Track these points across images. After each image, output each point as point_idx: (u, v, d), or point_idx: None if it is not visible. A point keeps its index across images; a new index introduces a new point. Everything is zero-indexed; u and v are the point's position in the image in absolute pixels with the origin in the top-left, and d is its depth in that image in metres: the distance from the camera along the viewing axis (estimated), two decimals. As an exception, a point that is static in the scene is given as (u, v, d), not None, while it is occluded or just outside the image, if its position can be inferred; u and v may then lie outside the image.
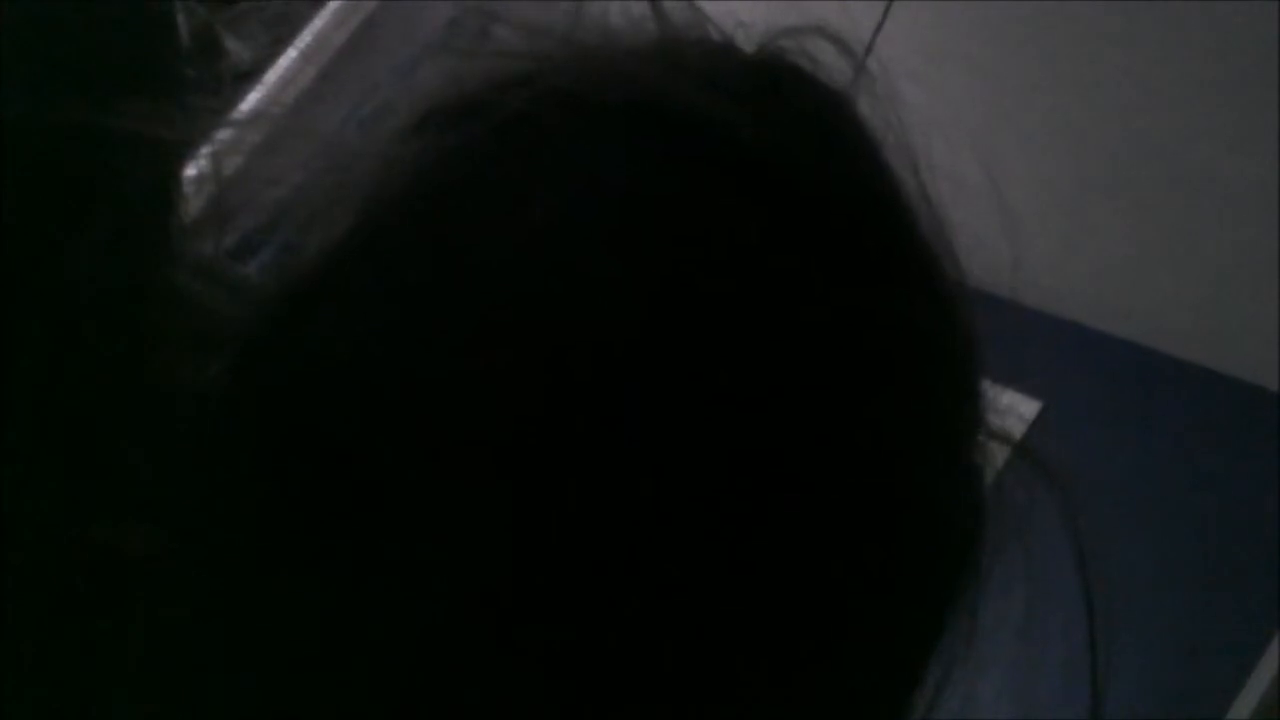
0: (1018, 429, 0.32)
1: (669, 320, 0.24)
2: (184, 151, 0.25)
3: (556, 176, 0.25)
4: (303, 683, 0.24)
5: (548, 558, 0.24)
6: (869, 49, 0.31)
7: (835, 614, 0.26)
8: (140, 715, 0.23)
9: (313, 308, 0.24)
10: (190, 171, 0.25)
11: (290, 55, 1.72)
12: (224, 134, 0.26)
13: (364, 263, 0.24)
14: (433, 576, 0.23)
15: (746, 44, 0.29)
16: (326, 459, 0.23)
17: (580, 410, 0.24)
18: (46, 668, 0.23)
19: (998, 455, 0.30)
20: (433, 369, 0.24)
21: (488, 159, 0.25)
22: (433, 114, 0.26)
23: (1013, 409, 0.31)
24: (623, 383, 0.24)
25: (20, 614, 0.23)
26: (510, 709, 0.24)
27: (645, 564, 0.24)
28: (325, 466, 0.23)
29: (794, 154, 0.27)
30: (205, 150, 0.26)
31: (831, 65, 0.29)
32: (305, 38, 1.76)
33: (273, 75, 1.70)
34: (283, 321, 0.24)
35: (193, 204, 0.25)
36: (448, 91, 0.26)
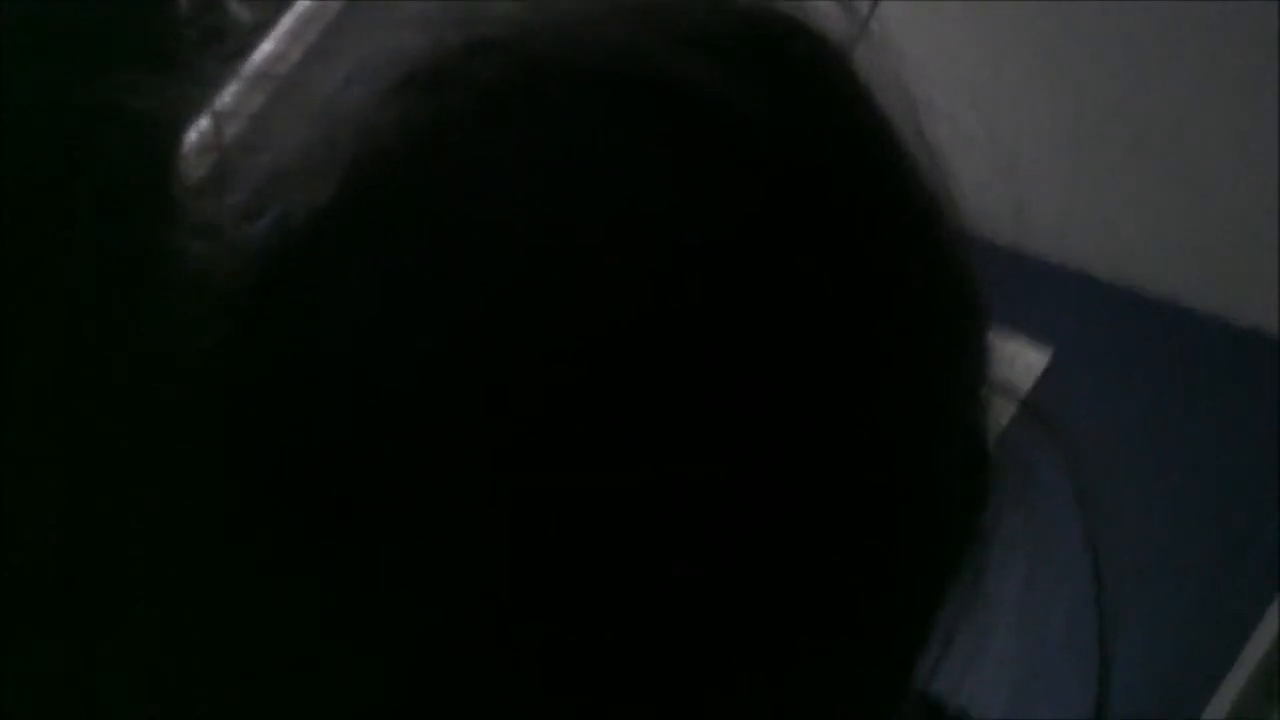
0: (1026, 380, 0.32)
1: (663, 297, 0.24)
2: (184, 115, 0.25)
3: (537, 150, 0.24)
4: (302, 677, 0.23)
5: (547, 551, 0.24)
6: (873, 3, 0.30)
7: (837, 587, 0.26)
8: (140, 702, 0.23)
9: (293, 286, 0.23)
10: (193, 133, 0.25)
11: (290, 18, 1.71)
12: (226, 96, 0.26)
13: (343, 241, 0.23)
14: (429, 573, 0.23)
15: None
16: (319, 447, 0.23)
17: (578, 394, 0.24)
18: (46, 649, 0.23)
19: (1003, 410, 0.30)
20: (417, 356, 0.23)
21: (465, 130, 0.24)
22: (411, 79, 0.25)
23: (1021, 359, 0.31)
24: (618, 362, 0.24)
25: (20, 595, 0.23)
26: (509, 708, 0.24)
27: (646, 554, 0.24)
28: (317, 454, 0.23)
29: (788, 112, 0.26)
30: (207, 112, 0.25)
31: (825, 12, 0.28)
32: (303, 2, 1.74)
33: (272, 38, 1.69)
34: (268, 296, 0.23)
35: (196, 166, 0.25)
36: (425, 56, 0.25)
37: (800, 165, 0.26)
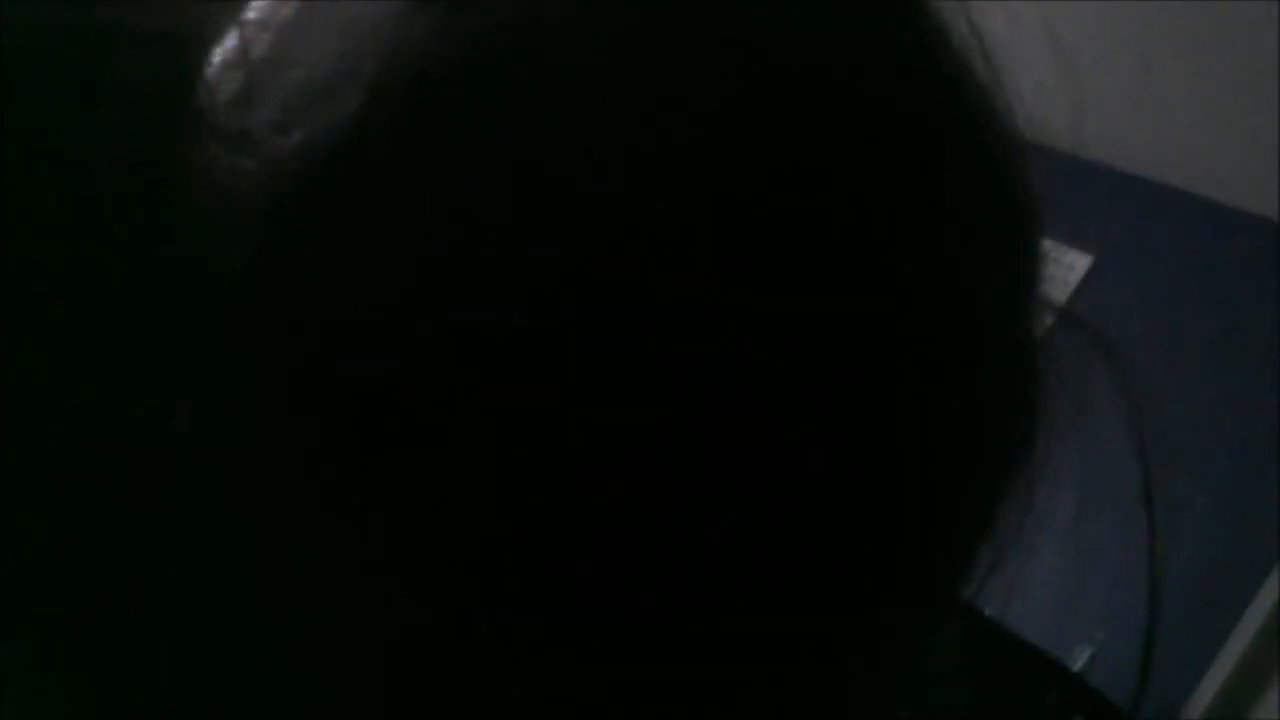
0: (1069, 282, 0.31)
1: (709, 215, 0.23)
2: (210, 28, 0.24)
3: (555, 80, 0.23)
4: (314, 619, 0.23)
5: (608, 478, 0.23)
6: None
7: (888, 503, 0.25)
8: (185, 590, 0.23)
9: (317, 202, 0.23)
10: (221, 47, 0.25)
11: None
12: (253, 9, 0.25)
13: (367, 158, 0.23)
14: (456, 497, 0.22)
15: None
16: (346, 360, 0.22)
17: (622, 315, 0.23)
18: (87, 569, 0.23)
19: (1048, 320, 0.30)
20: (444, 271, 0.22)
21: (488, 47, 0.23)
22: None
23: (1064, 262, 0.31)
24: (668, 286, 0.23)
25: (63, 506, 0.23)
26: (511, 697, 0.23)
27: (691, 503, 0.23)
28: (345, 368, 0.22)
29: (832, 13, 0.25)
30: (235, 25, 0.25)
31: None
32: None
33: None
34: (294, 211, 0.23)
35: (225, 80, 0.24)
36: None
37: (848, 71, 0.25)
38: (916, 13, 0.27)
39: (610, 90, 0.23)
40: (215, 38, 0.24)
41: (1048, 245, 0.29)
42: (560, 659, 0.23)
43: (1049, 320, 0.30)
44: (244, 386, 0.23)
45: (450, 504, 0.23)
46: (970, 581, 0.28)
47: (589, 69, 0.23)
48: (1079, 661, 2.66)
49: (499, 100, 0.23)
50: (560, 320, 0.23)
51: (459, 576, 0.23)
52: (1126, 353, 0.32)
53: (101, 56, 0.23)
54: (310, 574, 0.23)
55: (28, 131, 0.23)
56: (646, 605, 0.23)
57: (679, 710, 0.24)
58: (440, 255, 0.23)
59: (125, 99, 0.23)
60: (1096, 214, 2.98)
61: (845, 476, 0.25)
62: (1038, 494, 0.29)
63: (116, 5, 0.23)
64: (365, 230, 0.23)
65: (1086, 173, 2.99)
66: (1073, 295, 2.84)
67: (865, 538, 0.25)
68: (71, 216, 0.23)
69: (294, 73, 0.24)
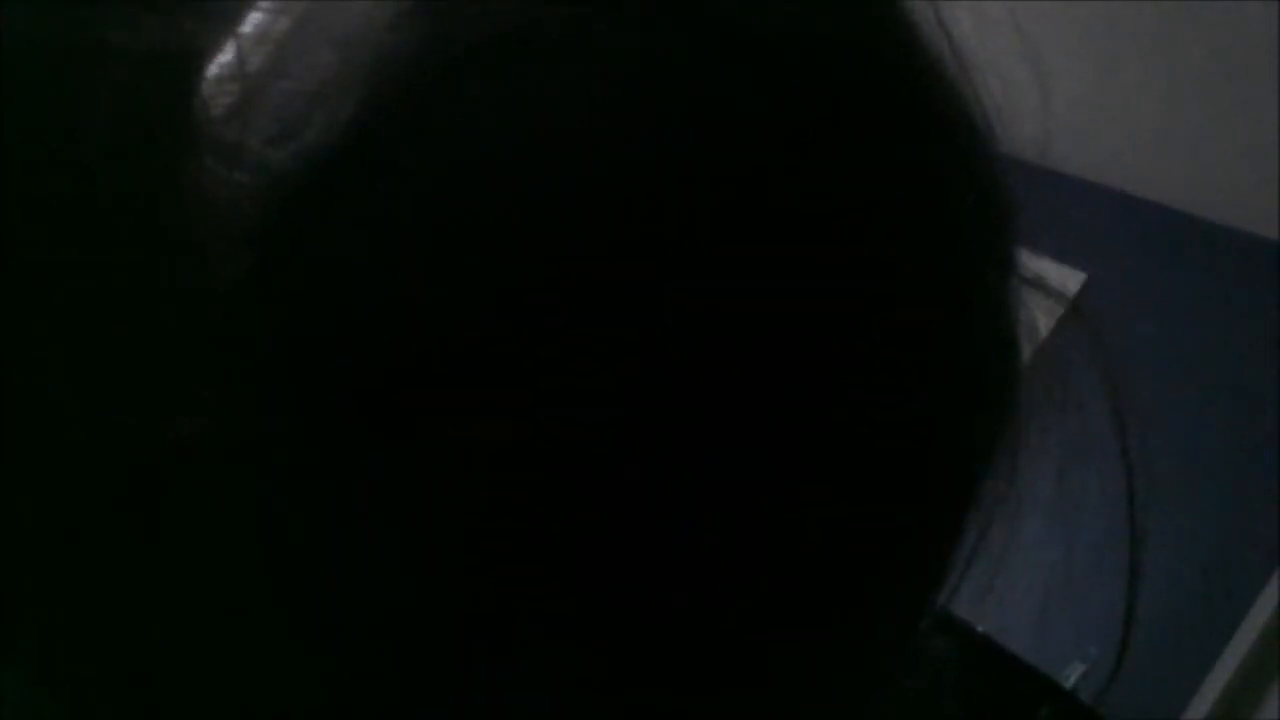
0: (1062, 301, 0.31)
1: (686, 222, 0.23)
2: (206, 43, 0.25)
3: (559, 70, 0.24)
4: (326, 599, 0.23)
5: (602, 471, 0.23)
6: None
7: (868, 482, 0.25)
8: (187, 608, 0.23)
9: (310, 210, 0.23)
10: (217, 61, 0.25)
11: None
12: (250, 22, 0.25)
13: (361, 162, 0.23)
14: (464, 497, 0.23)
15: None
16: (347, 368, 0.22)
17: (611, 314, 0.23)
18: (92, 578, 0.23)
19: (1041, 316, 0.30)
20: (441, 276, 0.23)
21: (480, 62, 0.23)
22: (419, 9, 0.25)
23: (1056, 280, 0.31)
24: (659, 275, 0.23)
25: (66, 522, 0.23)
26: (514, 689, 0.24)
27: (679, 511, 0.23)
28: (348, 376, 0.22)
29: (822, 26, 0.25)
30: (231, 39, 0.25)
31: None
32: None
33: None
34: (289, 222, 0.23)
35: (221, 94, 0.25)
36: None
37: (834, 78, 0.25)
38: (900, 29, 0.27)
39: (595, 91, 0.24)
40: (211, 53, 0.24)
41: (1039, 262, 0.30)
42: (554, 655, 0.24)
43: (1045, 318, 0.30)
44: (246, 394, 0.23)
45: (452, 501, 0.23)
46: (952, 571, 0.28)
47: (572, 73, 0.24)
48: (1071, 678, 2.66)
49: (485, 104, 0.24)
50: (559, 318, 0.23)
51: (464, 572, 0.23)
52: (1118, 367, 0.32)
53: (98, 72, 0.24)
54: (318, 577, 0.23)
55: (24, 146, 0.23)
56: (644, 602, 0.24)
57: (680, 703, 0.25)
58: (436, 255, 0.23)
59: (121, 114, 0.23)
60: (1090, 231, 2.99)
61: (830, 455, 0.25)
62: (1024, 505, 0.29)
63: (114, 21, 0.24)
64: (358, 235, 0.23)
65: (1080, 190, 3.00)
66: (1065, 313, 2.83)
67: (850, 519, 0.25)
68: (69, 230, 0.23)
69: (288, 84, 0.24)
